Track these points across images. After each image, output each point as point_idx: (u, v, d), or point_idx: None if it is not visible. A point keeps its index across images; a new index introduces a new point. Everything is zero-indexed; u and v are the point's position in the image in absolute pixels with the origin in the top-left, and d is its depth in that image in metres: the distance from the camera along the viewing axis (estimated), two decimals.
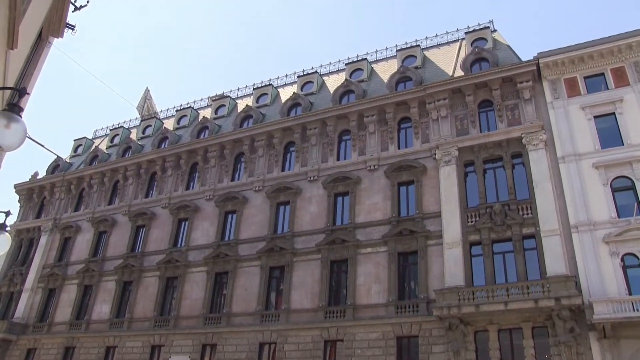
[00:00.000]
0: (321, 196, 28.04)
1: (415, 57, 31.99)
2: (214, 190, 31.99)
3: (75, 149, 45.85)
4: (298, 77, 36.61)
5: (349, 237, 25.78)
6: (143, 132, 42.33)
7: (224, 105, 39.24)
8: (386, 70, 32.91)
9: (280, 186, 29.54)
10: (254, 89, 38.65)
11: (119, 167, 37.30)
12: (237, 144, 32.92)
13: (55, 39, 9.89)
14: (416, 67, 31.24)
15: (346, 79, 32.40)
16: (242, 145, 32.54)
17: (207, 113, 39.90)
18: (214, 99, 41.27)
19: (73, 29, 10.93)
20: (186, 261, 30.33)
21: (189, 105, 42.46)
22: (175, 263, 30.60)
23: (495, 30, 31.22)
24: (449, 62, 30.45)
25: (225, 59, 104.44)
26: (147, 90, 46.79)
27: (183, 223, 32.40)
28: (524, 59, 26.88)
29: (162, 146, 37.38)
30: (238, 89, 41.04)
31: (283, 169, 30.73)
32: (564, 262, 20.74)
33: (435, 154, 26.05)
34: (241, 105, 38.30)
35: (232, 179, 32.27)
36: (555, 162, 23.33)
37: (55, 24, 9.29)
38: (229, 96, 40.03)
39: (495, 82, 25.96)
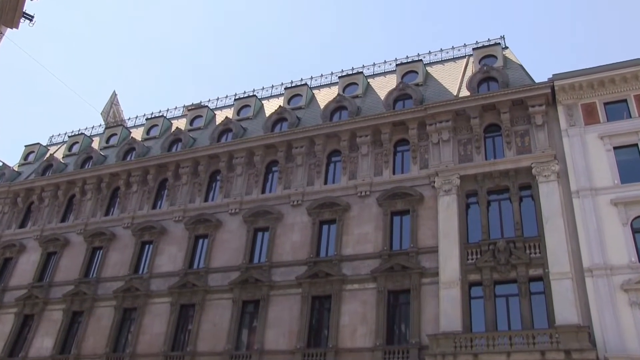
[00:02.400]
0: (305, 223, 27.89)
1: (417, 73, 32.23)
2: (184, 211, 31.72)
3: (26, 156, 45.17)
4: (285, 89, 36.65)
5: (333, 270, 25.52)
6: (107, 141, 41.95)
7: (200, 116, 39.19)
8: (383, 86, 33.04)
9: (260, 210, 29.33)
10: (235, 99, 38.65)
11: (77, 179, 36.68)
12: (213, 160, 32.74)
13: (9, 30, 9.63)
14: (417, 84, 31.43)
15: (339, 94, 32.53)
16: (218, 161, 32.34)
17: (182, 124, 39.84)
18: (189, 108, 41.20)
19: (31, 20, 10.70)
20: (148, 290, 29.74)
21: (161, 114, 42.33)
22: (135, 292, 29.95)
23: (506, 48, 31.60)
24: (453, 80, 30.65)
25: (206, 64, 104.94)
26: (114, 95, 46.56)
27: (147, 246, 31.92)
28: (537, 80, 27.07)
29: (128, 158, 37.03)
30: (217, 99, 41.12)
31: (263, 191, 30.57)
32: (575, 310, 20.49)
33: (434, 182, 26.03)
34: (220, 117, 38.23)
35: (206, 199, 32.02)
36: (568, 197, 23.23)
37: (9, 12, 8.99)
38: (206, 106, 40.00)
39: (505, 104, 26.13)
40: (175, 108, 42.56)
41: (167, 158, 33.85)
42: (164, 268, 30.29)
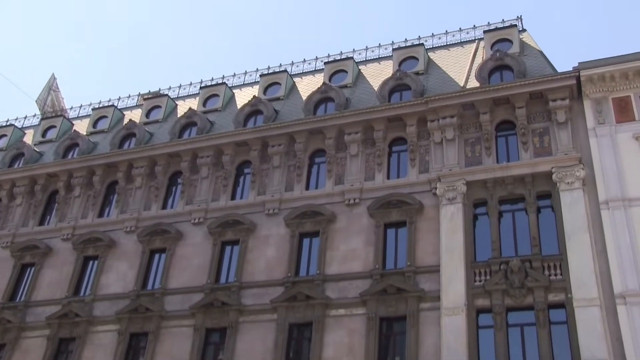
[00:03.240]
0: (282, 236, 27.44)
1: (417, 59, 31.83)
2: (137, 220, 31.09)
3: None
4: (261, 76, 36.16)
5: (315, 292, 25.01)
6: (43, 135, 41.11)
7: (159, 107, 38.65)
8: (378, 75, 32.64)
9: (229, 219, 28.76)
10: (200, 87, 38.09)
11: (3, 180, 35.69)
12: (173, 160, 32.17)
13: None
14: (417, 73, 31.12)
15: (324, 83, 32.14)
16: (180, 161, 31.77)
17: (136, 115, 39.22)
18: (145, 97, 40.58)
19: None
20: (90, 316, 28.80)
21: (111, 103, 41.61)
22: (74, 318, 28.96)
23: (523, 30, 31.35)
24: (460, 68, 30.33)
25: (166, 45, 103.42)
26: (52, 79, 45.88)
27: (91, 262, 31.11)
28: (560, 69, 26.87)
29: (70, 156, 36.21)
30: (180, 87, 40.72)
31: (233, 197, 30.09)
32: (605, 344, 20.03)
33: (436, 189, 25.69)
34: (182, 108, 37.62)
35: (164, 206, 31.47)
36: (596, 208, 22.79)
37: None
38: (166, 95, 39.46)
39: (521, 97, 25.84)
40: (129, 97, 42.01)
41: (118, 156, 33.11)
42: (111, 289, 29.47)
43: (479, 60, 30.46)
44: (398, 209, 26.10)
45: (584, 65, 25.33)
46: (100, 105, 41.81)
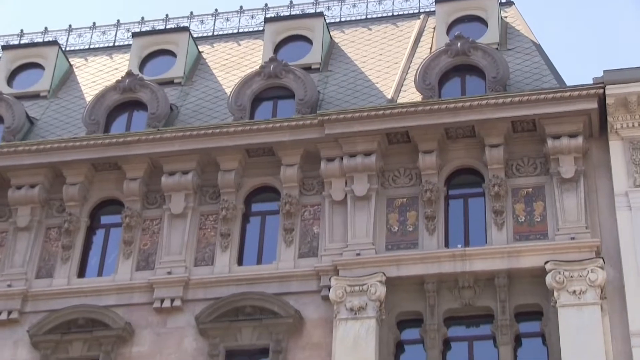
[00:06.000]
0: None
1: (309, 40, 26.78)
2: None
3: None
4: (134, 35, 29.38)
5: None
6: None
7: None
8: (234, 65, 27.63)
9: None
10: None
11: None
12: None
13: None
14: (308, 68, 26.08)
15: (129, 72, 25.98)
16: None
17: None
18: None
19: None
20: None
21: None
22: None
23: (509, 3, 27.95)
24: (389, 64, 25.86)
25: None
26: None
27: None
28: (568, 79, 22.61)
29: None
30: None
31: None
32: None
33: (328, 288, 20.50)
34: None
35: None
36: (622, 342, 18.55)
37: None
38: None
39: (497, 127, 20.98)
40: None
41: None
42: None
43: (423, 50, 25.39)
44: (254, 324, 20.81)
45: (611, 77, 20.21)
46: None
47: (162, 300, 20.92)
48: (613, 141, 20.49)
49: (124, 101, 25.04)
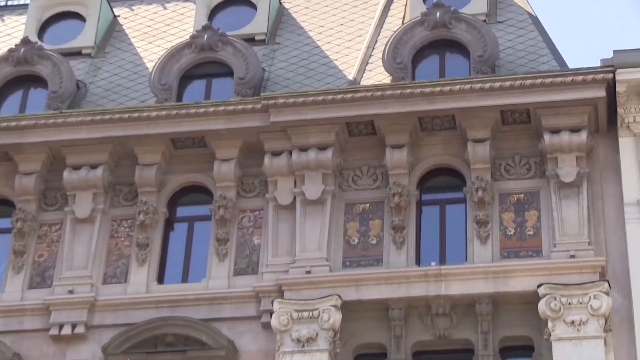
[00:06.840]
0: None
1: (254, 5, 25.61)
2: None
3: None
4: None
5: None
6: None
7: None
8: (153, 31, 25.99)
9: None
10: None
11: None
12: None
13: None
14: (251, 39, 24.91)
15: None
16: None
17: None
18: None
19: None
20: None
21: None
22: None
23: None
24: (351, 36, 24.97)
25: None
26: None
27: None
28: (573, 58, 21.44)
29: None
30: None
31: None
32: None
33: (271, 313, 19.41)
34: None
35: None
36: None
37: None
38: None
39: (482, 118, 19.95)
40: None
41: None
42: None
43: (395, 22, 23.81)
44: (177, 356, 19.45)
45: (623, 60, 18.96)
46: None
47: (60, 326, 19.08)
48: (623, 138, 19.14)
49: (17, 75, 22.64)
